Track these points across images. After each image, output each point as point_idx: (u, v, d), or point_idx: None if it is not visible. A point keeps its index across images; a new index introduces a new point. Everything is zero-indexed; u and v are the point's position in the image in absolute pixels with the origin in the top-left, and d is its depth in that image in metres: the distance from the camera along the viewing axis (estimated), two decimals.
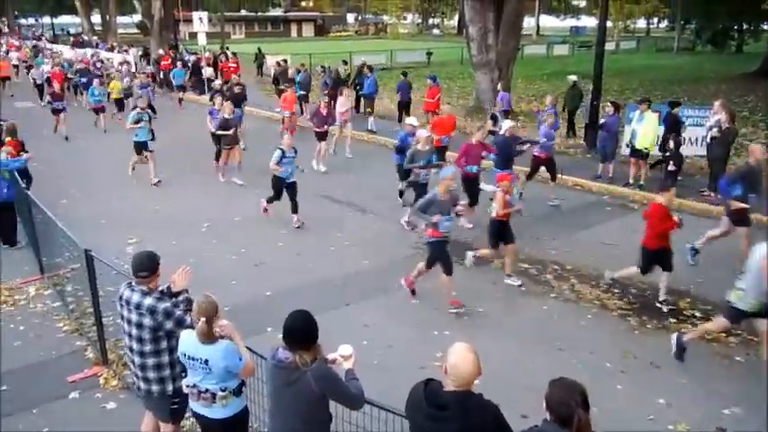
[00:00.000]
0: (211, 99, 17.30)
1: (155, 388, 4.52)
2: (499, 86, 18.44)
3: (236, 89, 18.17)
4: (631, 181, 12.78)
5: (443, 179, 7.61)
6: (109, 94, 20.93)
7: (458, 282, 8.54)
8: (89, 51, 36.42)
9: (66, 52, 37.15)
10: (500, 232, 8.38)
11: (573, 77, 17.34)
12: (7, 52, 34.98)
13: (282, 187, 10.52)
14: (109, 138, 17.90)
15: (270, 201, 10.83)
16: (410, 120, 12.19)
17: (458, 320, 7.47)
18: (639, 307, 7.85)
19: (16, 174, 9.63)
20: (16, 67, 30.61)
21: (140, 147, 13.20)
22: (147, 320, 4.35)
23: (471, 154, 10.39)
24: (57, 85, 18.64)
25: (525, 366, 6.46)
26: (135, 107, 13.86)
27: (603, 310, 7.79)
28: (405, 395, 3.38)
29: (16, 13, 72.25)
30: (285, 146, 10.37)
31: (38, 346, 6.89)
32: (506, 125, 11.22)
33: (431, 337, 7.02)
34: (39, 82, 24.51)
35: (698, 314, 7.61)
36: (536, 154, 11.69)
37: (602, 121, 13.17)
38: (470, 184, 10.57)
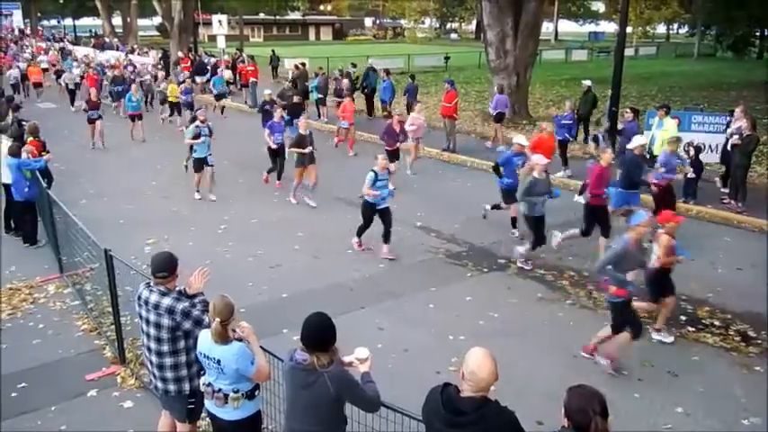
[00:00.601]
0: (260, 110, 16.25)
1: (172, 387, 4.55)
2: (495, 88, 18.45)
3: (296, 99, 16.85)
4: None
5: (638, 226, 6.29)
6: (143, 99, 20.30)
7: (472, 286, 8.56)
8: (115, 54, 35.96)
9: (98, 55, 36.13)
10: (662, 283, 7.05)
11: (587, 82, 17.24)
12: (33, 56, 34.07)
13: (373, 214, 9.43)
14: (139, 144, 17.75)
15: (360, 233, 9.69)
16: (519, 138, 10.42)
17: (473, 326, 7.44)
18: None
19: (37, 173, 9.77)
20: (45, 70, 29.41)
21: (201, 163, 12.08)
22: (165, 320, 4.39)
23: (605, 178, 9.06)
24: (93, 92, 17.48)
25: (540, 373, 6.42)
26: (194, 119, 12.68)
27: None
28: (420, 399, 3.37)
29: (39, 14, 73.42)
30: (379, 168, 9.16)
31: (57, 344, 6.97)
32: (637, 142, 9.86)
33: (446, 343, 7.00)
34: (71, 87, 23.73)
35: (717, 323, 7.53)
36: (656, 181, 9.98)
37: (620, 126, 13.06)
38: (602, 214, 9.21)
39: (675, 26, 75.14)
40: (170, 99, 20.28)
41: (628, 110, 13.21)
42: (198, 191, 12.36)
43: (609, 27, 77.91)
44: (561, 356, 6.79)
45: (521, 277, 8.92)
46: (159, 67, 26.17)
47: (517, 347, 6.87)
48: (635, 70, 32.58)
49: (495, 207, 10.68)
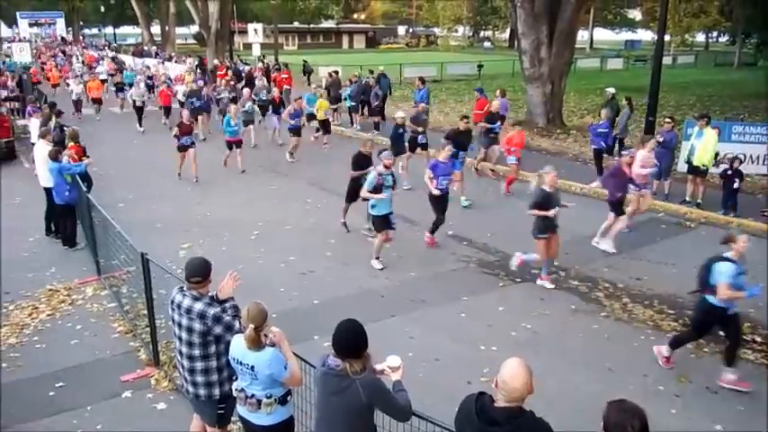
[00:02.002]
0: (393, 137, 13.64)
1: (202, 392, 4.59)
2: (497, 92, 18.26)
3: (462, 125, 12.63)
4: (688, 198, 12.40)
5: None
6: (242, 123, 16.39)
7: (505, 296, 8.47)
8: (178, 67, 33.79)
9: (163, 67, 32.67)
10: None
11: (611, 90, 17.06)
12: (90, 66, 32.12)
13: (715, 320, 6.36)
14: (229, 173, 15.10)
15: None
16: None
17: (505, 337, 7.36)
18: None
19: (78, 177, 10.00)
20: (104, 82, 26.65)
21: (384, 223, 9.18)
22: (196, 325, 4.43)
23: None
24: (186, 114, 14.92)
25: (573, 386, 6.31)
26: (364, 159, 10.22)
27: (657, 332, 7.54)
28: (451, 409, 3.34)
29: (81, 23, 75.55)
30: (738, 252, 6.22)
31: (93, 346, 7.12)
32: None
33: (478, 353, 6.93)
34: (138, 104, 20.83)
35: (758, 339, 7.31)
36: None
37: (658, 137, 12.79)
38: None
39: (715, 34, 73.63)
40: (320, 117, 17.94)
41: (667, 119, 12.96)
42: (378, 258, 9.41)
43: (645, 35, 76.79)
44: (595, 370, 6.66)
45: (554, 288, 8.79)
46: (232, 84, 22.78)
47: (550, 359, 6.76)
48: (673, 79, 32.06)
49: None
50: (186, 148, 14.11)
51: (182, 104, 20.44)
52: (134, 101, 21.09)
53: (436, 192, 9.71)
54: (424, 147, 14.11)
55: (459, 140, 11.90)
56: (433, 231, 10.19)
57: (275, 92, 20.03)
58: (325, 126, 18.24)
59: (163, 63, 35.23)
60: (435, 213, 10.02)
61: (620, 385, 6.29)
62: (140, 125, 20.81)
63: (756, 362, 6.87)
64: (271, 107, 19.39)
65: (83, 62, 35.07)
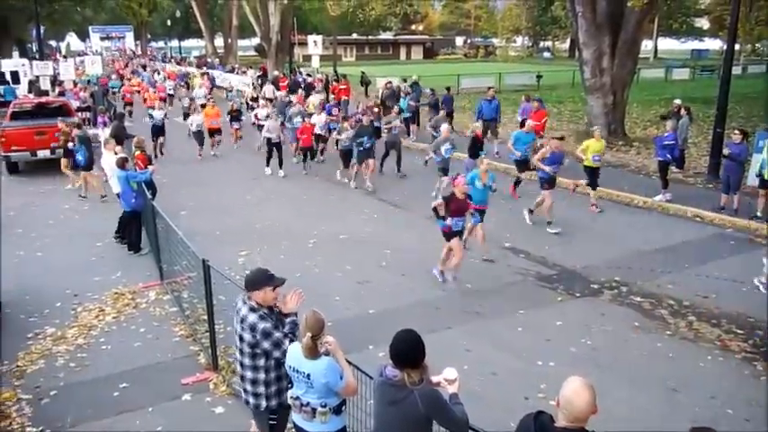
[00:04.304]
0: None
1: (251, 400, 4.64)
2: (522, 98, 17.88)
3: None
4: (759, 214, 11.83)
5: None
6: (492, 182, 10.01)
7: (565, 312, 8.28)
8: (242, 79, 31.30)
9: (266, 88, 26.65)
10: None
11: (677, 101, 16.52)
12: (187, 85, 29.40)
13: None
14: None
15: None
16: None
17: (564, 352, 7.17)
18: (767, 351, 7.21)
19: (143, 185, 10.36)
20: (203, 106, 20.12)
21: None
22: (247, 335, 4.44)
23: None
24: (462, 184, 8.77)
25: (636, 407, 6.08)
26: None
27: (726, 352, 7.21)
28: (507, 424, 3.27)
29: (149, 36, 78.75)
30: None
31: (156, 348, 7.33)
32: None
33: (535, 368, 6.79)
34: (275, 139, 15.70)
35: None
36: None
37: (726, 151, 12.27)
38: None
39: None
40: (586, 163, 12.47)
41: (736, 131, 12.44)
42: None
43: (713, 44, 74.18)
44: (659, 390, 6.41)
45: (615, 304, 8.54)
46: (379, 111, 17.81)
47: (610, 378, 6.55)
48: (742, 89, 30.77)
49: None
50: (455, 235, 8.92)
51: (322, 140, 16.70)
52: (268, 138, 15.83)
53: None
54: None
55: None
56: None
57: (477, 126, 14.80)
58: (593, 177, 12.61)
59: (274, 83, 27.88)
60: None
61: (685, 407, 6.04)
62: (268, 165, 16.12)
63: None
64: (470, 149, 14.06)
65: (164, 78, 33.30)
